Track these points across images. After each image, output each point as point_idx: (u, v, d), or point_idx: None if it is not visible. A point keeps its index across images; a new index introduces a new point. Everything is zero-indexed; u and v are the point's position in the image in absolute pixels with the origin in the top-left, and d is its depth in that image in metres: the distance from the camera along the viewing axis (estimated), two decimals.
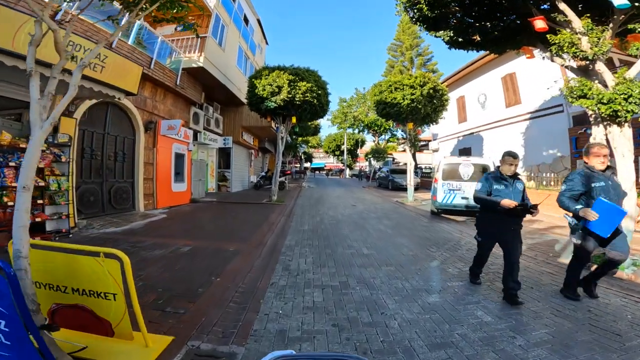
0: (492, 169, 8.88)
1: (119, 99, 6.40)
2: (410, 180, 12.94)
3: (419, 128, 13.73)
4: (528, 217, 3.34)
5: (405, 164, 39.26)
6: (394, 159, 38.43)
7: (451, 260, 5.02)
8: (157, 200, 9.73)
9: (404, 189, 18.12)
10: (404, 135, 14.46)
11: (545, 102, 12.54)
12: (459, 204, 8.93)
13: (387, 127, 42.86)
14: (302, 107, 11.36)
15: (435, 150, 20.85)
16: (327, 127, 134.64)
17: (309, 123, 34.26)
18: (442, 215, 9.51)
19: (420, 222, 8.55)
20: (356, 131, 47.77)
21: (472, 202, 9.37)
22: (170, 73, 10.02)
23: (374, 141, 48.98)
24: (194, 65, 10.80)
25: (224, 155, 15.69)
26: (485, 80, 16.07)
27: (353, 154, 55.96)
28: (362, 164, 59.91)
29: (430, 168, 22.11)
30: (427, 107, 12.15)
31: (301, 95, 11.04)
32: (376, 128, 44.22)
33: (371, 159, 40.64)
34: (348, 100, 46.59)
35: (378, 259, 4.99)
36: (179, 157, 11.11)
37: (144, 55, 8.74)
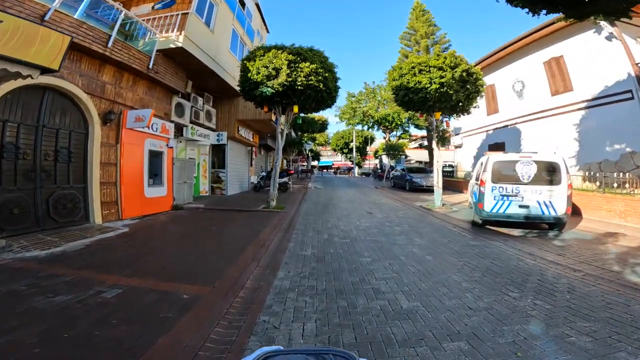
0: (562, 167, 6.55)
1: (30, 76, 4.40)
2: (438, 181, 10.64)
3: (447, 119, 11.38)
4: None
5: (420, 161, 36.79)
6: (406, 156, 35.98)
7: (561, 318, 2.86)
8: (123, 209, 7.69)
9: (424, 191, 15.84)
10: (429, 128, 12.07)
11: (607, 87, 10.08)
12: (516, 214, 6.66)
13: (399, 122, 40.44)
14: (305, 93, 9.18)
15: (458, 146, 18.47)
16: (335, 123, 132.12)
17: (316, 118, 32.10)
18: (487, 226, 7.24)
19: (463, 239, 6.29)
20: (365, 128, 45.43)
21: (534, 211, 6.92)
22: (139, 55, 7.96)
23: (384, 138, 46.60)
24: (171, 45, 8.69)
25: (219, 154, 13.63)
26: (521, 65, 13.60)
27: (362, 151, 53.65)
28: (371, 162, 57.52)
29: (451, 166, 19.66)
30: (459, 94, 9.82)
31: (304, 79, 8.85)
32: (387, 124, 41.79)
33: (382, 156, 38.27)
34: (357, 95, 44.27)
35: (431, 323, 2.84)
36: (156, 156, 9.05)
37: (96, 31, 6.70)
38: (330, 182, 27.44)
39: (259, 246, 5.53)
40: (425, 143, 46.34)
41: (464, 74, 9.82)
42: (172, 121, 9.82)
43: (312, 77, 8.98)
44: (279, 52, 9.03)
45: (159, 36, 8.61)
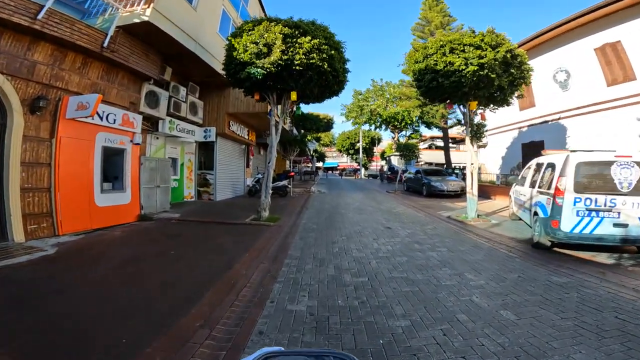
0: None
1: None
2: (473, 187, 8.52)
3: (481, 110, 9.27)
4: None
5: (430, 163, 34.39)
6: (417, 157, 33.75)
7: None
8: (60, 221, 5.75)
9: (444, 196, 13.71)
10: (461, 121, 9.84)
11: None
12: (610, 236, 4.61)
13: (409, 121, 38.17)
14: (304, 75, 7.16)
15: (482, 146, 16.31)
16: (340, 123, 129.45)
17: (320, 116, 29.98)
18: (556, 249, 5.14)
19: (537, 272, 4.18)
20: (372, 127, 43.31)
21: (634, 231, 3.85)
22: (89, 30, 6.08)
23: (393, 138, 44.42)
24: (136, 20, 6.72)
25: (207, 153, 11.66)
26: (566, 52, 11.43)
27: (368, 152, 51.51)
28: (378, 164, 55.31)
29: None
30: (501, 79, 7.71)
31: (303, 57, 6.83)
32: (396, 123, 39.61)
33: (391, 157, 36.11)
34: (364, 93, 42.21)
35: None
36: (114, 154, 7.12)
37: (20, 0, 4.85)
38: (335, 184, 25.34)
39: (224, 291, 3.52)
40: (437, 143, 44.08)
41: (508, 55, 7.71)
42: (141, 112, 7.88)
43: (314, 55, 6.96)
44: (272, 24, 7.03)
45: (122, 10, 6.68)
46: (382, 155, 55.90)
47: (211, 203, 10.98)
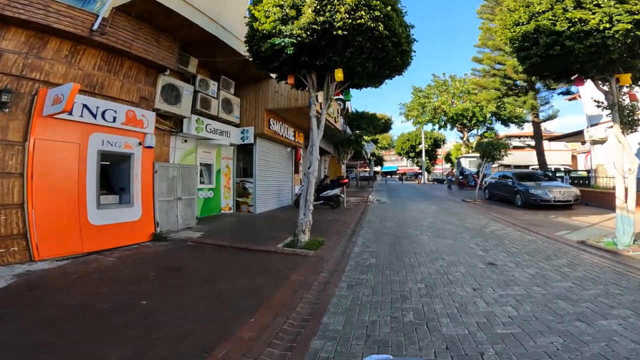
0: None
1: None
2: (628, 198, 5.27)
3: (629, 88, 5.92)
4: None
5: (508, 165, 28.70)
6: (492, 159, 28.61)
7: None
8: (36, 244, 4.42)
9: (548, 208, 10.10)
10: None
11: None
12: None
13: (481, 118, 32.95)
14: (351, 43, 4.93)
15: (598, 142, 12.05)
16: (400, 124, 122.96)
17: (378, 116, 27.06)
18: None
19: None
20: (436, 127, 38.78)
21: None
22: (71, 11, 4.84)
23: (461, 138, 39.26)
24: None
25: (247, 157, 10.11)
26: None
27: (431, 155, 46.71)
28: (442, 167, 49.90)
29: (588, 171, 13.11)
30: None
31: (346, 16, 4.61)
32: (464, 120, 34.71)
33: (460, 159, 31.51)
34: (425, 89, 38.13)
35: None
36: (119, 160, 5.77)
37: None
38: (396, 191, 22.29)
39: None
40: (514, 143, 37.51)
41: None
42: (156, 109, 6.49)
43: (362, 13, 4.68)
44: None
45: None
46: (447, 158, 50.55)
47: (248, 217, 9.31)
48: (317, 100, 5.99)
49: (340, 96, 7.12)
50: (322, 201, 11.55)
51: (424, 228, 7.57)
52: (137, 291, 3.60)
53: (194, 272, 4.31)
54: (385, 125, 27.83)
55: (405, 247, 5.70)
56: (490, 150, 13.71)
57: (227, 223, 7.96)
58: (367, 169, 38.18)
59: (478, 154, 29.72)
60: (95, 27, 5.04)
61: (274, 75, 6.77)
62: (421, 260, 4.87)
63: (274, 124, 10.02)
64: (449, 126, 38.01)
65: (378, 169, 53.31)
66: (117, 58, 5.73)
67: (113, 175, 5.88)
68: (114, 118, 5.43)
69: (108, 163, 5.80)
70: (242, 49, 7.65)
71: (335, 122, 12.58)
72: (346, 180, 12.87)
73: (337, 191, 11.63)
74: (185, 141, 8.10)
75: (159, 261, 4.80)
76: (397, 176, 57.33)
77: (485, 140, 16.17)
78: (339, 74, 5.40)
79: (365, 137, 29.27)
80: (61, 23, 4.69)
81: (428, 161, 45.24)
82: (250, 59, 5.99)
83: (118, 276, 4.13)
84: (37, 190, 4.45)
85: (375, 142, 40.87)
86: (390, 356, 0.70)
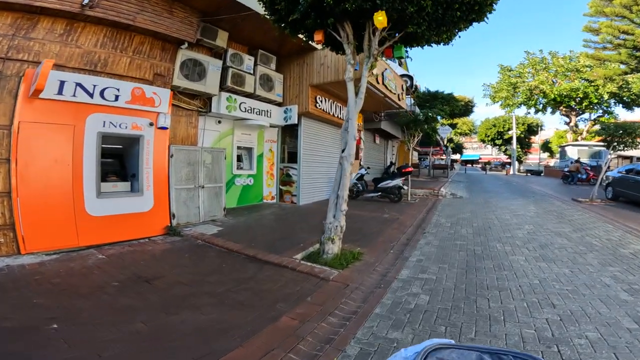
0: None
1: None
2: None
3: None
4: None
5: (629, 158, 21.18)
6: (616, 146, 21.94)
7: None
8: (22, 237, 3.91)
9: None
10: None
11: None
12: None
13: (595, 99, 25.47)
14: None
15: None
16: (485, 106, 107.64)
17: (457, 97, 22.94)
18: None
19: None
20: (531, 112, 31.88)
21: None
22: None
23: (567, 123, 31.64)
24: None
25: (292, 140, 8.87)
26: None
27: (523, 143, 39.21)
28: (538, 156, 41.51)
29: None
30: None
31: None
32: (572, 103, 27.56)
33: (566, 148, 25.20)
34: (515, 68, 31.48)
35: None
36: (126, 144, 5.06)
37: None
38: (478, 183, 18.59)
39: None
40: None
41: None
42: (175, 87, 5.61)
43: None
44: None
45: None
46: (545, 146, 42.06)
47: (289, 209, 8.10)
48: (352, 59, 4.18)
49: (389, 58, 5.13)
50: (379, 193, 9.71)
51: (518, 241, 5.16)
52: (70, 308, 2.65)
53: (165, 288, 3.18)
54: (465, 108, 23.74)
55: (486, 276, 3.64)
56: (621, 135, 9.72)
57: (258, 217, 6.86)
58: (444, 157, 33.82)
59: (590, 142, 23.42)
60: (85, 1, 4.25)
61: (318, 47, 5.19)
62: (511, 308, 2.83)
63: (321, 101, 8.48)
64: (548, 110, 30.92)
65: (457, 157, 47.46)
66: (124, 33, 4.98)
67: (127, 160, 5.21)
68: (116, 97, 4.64)
69: (120, 147, 5.13)
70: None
71: (399, 99, 10.37)
72: (410, 169, 10.61)
73: (398, 182, 9.59)
74: (220, 122, 7.19)
75: (143, 265, 3.85)
76: (480, 165, 50.46)
77: (612, 123, 11.77)
78: (379, 18, 3.52)
79: (442, 121, 25.58)
80: (45, 1, 4.01)
81: (520, 149, 38.16)
82: (267, 15, 4.49)
83: (79, 282, 3.28)
84: (22, 176, 3.88)
85: (453, 126, 35.93)
86: (452, 341, 0.65)
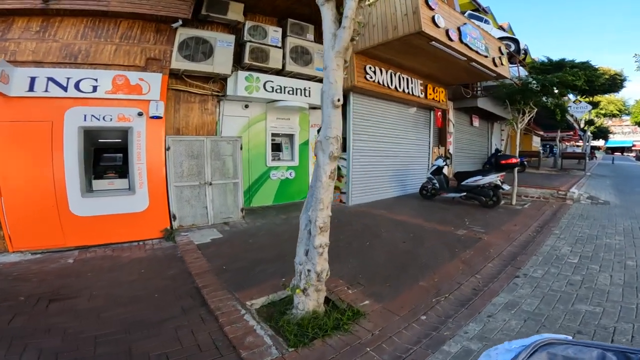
0: None
1: None
2: None
3: None
4: None
5: None
6: None
7: None
8: (9, 235, 3.84)
9: None
10: None
11: None
12: None
13: None
14: None
15: None
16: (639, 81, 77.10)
17: (600, 70, 15.90)
18: None
19: None
20: None
21: None
22: None
23: None
24: None
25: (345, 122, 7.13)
26: None
27: None
28: None
29: None
30: None
31: None
32: None
33: None
34: None
35: None
36: (114, 137, 4.42)
37: None
38: (632, 179, 12.69)
39: None
40: None
41: None
42: (174, 70, 4.72)
43: None
44: None
45: None
46: None
47: (333, 211, 6.45)
48: None
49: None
50: (463, 193, 7.04)
51: None
52: None
53: (69, 315, 2.13)
54: (612, 84, 16.64)
55: None
56: None
57: (282, 220, 5.43)
58: (580, 143, 25.30)
59: None
60: None
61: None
62: None
63: (374, 72, 6.43)
64: None
65: (599, 143, 35.81)
66: (107, 20, 4.36)
67: (98, 155, 4.66)
68: (94, 87, 4.02)
69: (119, 140, 4.54)
70: None
71: (495, 65, 7.26)
72: (512, 161, 7.36)
73: (492, 178, 6.70)
74: (247, 106, 6.08)
75: (83, 279, 3.04)
76: (633, 154, 37.14)
77: None
78: None
79: (580, 97, 18.88)
80: (5, 3, 3.61)
81: None
82: None
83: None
84: (3, 177, 3.60)
85: (595, 105, 26.46)
86: (569, 337, 0.56)
